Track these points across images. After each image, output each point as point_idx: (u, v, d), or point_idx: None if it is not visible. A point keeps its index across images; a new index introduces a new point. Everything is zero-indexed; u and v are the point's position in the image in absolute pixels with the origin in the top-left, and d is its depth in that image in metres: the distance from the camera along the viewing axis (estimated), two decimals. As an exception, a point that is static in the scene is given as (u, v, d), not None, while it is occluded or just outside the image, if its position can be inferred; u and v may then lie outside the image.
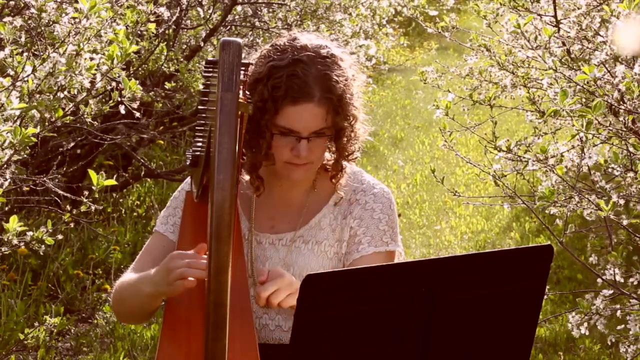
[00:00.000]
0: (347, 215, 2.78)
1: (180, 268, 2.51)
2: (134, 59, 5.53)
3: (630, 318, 3.59)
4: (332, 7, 6.82)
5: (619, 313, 3.60)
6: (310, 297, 2.06)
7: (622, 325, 3.69)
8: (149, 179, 7.54)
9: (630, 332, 3.61)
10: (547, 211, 3.52)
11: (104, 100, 4.25)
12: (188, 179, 2.86)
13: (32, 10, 3.76)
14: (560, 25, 3.96)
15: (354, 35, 7.31)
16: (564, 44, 3.93)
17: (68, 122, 3.94)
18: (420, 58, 13.63)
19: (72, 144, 6.17)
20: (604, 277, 3.59)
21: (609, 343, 3.79)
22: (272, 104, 2.64)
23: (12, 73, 3.57)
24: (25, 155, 3.51)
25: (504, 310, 2.20)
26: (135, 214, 7.25)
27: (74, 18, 3.74)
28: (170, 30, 6.17)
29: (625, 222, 3.46)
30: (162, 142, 8.44)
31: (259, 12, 6.64)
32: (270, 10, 6.66)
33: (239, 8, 6.56)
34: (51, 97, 3.70)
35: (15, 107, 3.35)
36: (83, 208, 3.85)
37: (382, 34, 10.99)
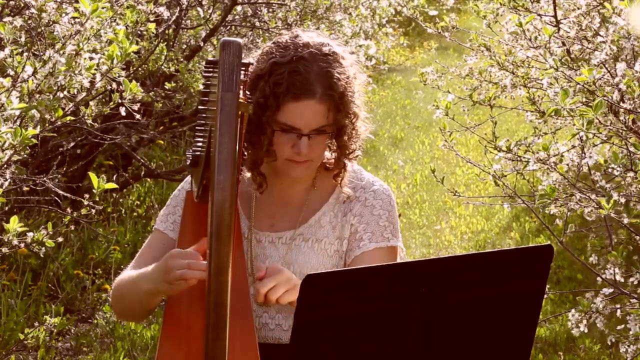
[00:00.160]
0: (347, 213, 2.78)
1: (181, 269, 2.51)
2: (134, 59, 5.53)
3: (630, 318, 3.59)
4: (332, 7, 6.82)
5: (619, 313, 3.60)
6: (310, 297, 2.06)
7: (622, 325, 3.69)
8: (149, 179, 7.54)
9: (630, 332, 3.61)
10: (547, 211, 3.52)
11: (104, 100, 4.25)
12: (188, 178, 2.86)
13: (32, 10, 3.76)
14: (560, 25, 3.97)
15: (354, 36, 7.31)
16: (563, 43, 3.94)
17: (68, 122, 3.94)
18: (420, 58, 13.63)
19: (72, 144, 6.17)
20: (604, 277, 3.59)
21: (609, 343, 3.79)
22: (274, 100, 2.64)
23: (12, 73, 3.57)
24: (25, 155, 3.51)
25: (504, 310, 2.20)
26: (135, 214, 7.25)
27: (74, 18, 3.74)
28: (170, 30, 6.17)
29: (625, 221, 3.46)
30: (162, 142, 8.44)
31: (259, 12, 6.63)
32: (270, 10, 6.66)
33: (239, 8, 6.56)
34: (51, 97, 3.70)
35: (16, 107, 3.35)
36: (84, 211, 3.86)
37: (382, 34, 10.99)
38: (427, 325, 2.14)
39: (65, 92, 3.74)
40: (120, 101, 3.90)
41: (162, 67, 6.00)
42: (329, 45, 2.71)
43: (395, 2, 9.55)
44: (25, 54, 3.66)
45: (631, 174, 3.50)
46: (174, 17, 6.04)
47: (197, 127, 2.66)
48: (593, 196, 3.47)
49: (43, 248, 3.62)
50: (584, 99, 3.88)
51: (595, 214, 3.51)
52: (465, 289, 2.15)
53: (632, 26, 3.42)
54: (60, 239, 3.83)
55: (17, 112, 3.43)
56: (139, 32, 4.82)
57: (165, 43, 6.03)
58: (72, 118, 3.98)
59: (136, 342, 5.47)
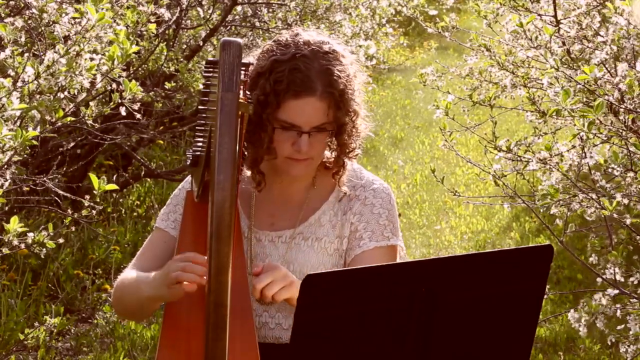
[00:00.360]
0: (347, 211, 2.78)
1: (176, 272, 2.51)
2: (134, 59, 5.53)
3: (630, 318, 3.59)
4: (332, 8, 6.82)
5: (619, 313, 3.60)
6: (310, 297, 2.06)
7: (622, 325, 3.69)
8: (149, 179, 7.55)
9: (630, 332, 3.61)
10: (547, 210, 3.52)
11: (104, 100, 4.25)
12: (189, 178, 2.86)
13: (32, 10, 3.76)
14: (560, 25, 3.97)
15: (354, 36, 7.31)
16: (564, 43, 3.93)
17: (68, 122, 3.94)
18: (420, 58, 13.63)
19: (72, 144, 6.17)
20: (604, 277, 3.59)
21: (609, 343, 3.79)
22: (274, 98, 2.65)
23: (12, 74, 3.57)
24: (25, 156, 3.51)
25: (504, 310, 2.20)
26: (135, 214, 7.25)
27: (74, 18, 3.74)
28: (170, 30, 6.17)
29: (628, 222, 3.46)
30: (162, 142, 8.44)
31: (259, 12, 6.63)
32: (270, 10, 6.66)
33: (239, 8, 6.56)
34: (51, 97, 3.70)
35: (16, 108, 3.35)
36: (85, 212, 3.86)
37: (382, 33, 10.99)
38: (427, 325, 2.14)
39: (65, 93, 3.74)
40: (120, 101, 3.90)
41: (162, 67, 6.01)
42: (329, 43, 2.72)
43: (395, 2, 9.54)
44: (26, 54, 3.66)
45: (631, 174, 3.50)
46: (174, 17, 6.04)
47: (197, 127, 2.66)
48: (595, 196, 3.47)
49: (44, 250, 3.62)
50: (584, 99, 3.88)
51: (596, 214, 3.51)
52: (465, 289, 2.15)
53: (636, 19, 3.41)
54: (61, 240, 3.83)
55: (18, 113, 3.43)
56: (139, 32, 4.82)
57: (165, 43, 6.03)
58: (73, 119, 3.98)
59: (136, 342, 5.47)
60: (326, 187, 2.82)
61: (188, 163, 2.75)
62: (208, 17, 6.45)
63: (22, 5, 4.16)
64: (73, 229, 6.23)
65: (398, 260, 2.80)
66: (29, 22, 3.86)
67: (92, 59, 3.76)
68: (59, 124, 3.83)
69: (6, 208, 4.72)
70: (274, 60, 2.67)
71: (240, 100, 2.36)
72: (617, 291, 3.55)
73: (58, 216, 6.05)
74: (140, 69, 5.84)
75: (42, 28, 3.77)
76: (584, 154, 3.43)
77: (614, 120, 3.67)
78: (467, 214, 7.92)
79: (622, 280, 3.57)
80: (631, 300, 3.77)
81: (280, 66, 2.66)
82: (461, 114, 4.66)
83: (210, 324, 2.33)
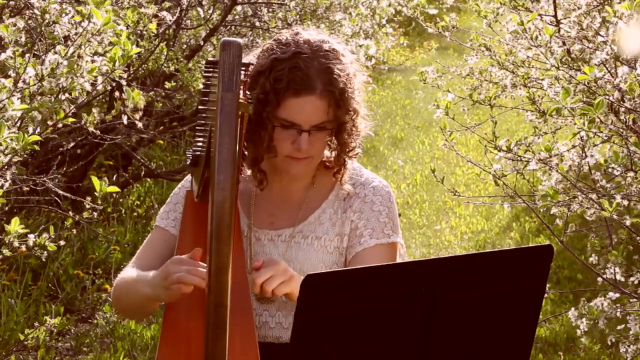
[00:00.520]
0: (347, 209, 2.79)
1: (179, 273, 2.51)
2: (134, 59, 5.53)
3: (631, 318, 3.59)
4: (332, 7, 6.82)
5: (619, 313, 3.60)
6: (310, 297, 2.06)
7: (622, 325, 3.69)
8: (149, 179, 7.54)
9: (630, 332, 3.61)
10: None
11: (104, 100, 4.24)
12: (188, 177, 2.87)
13: (33, 10, 3.76)
14: (561, 25, 3.97)
15: (354, 35, 7.31)
16: (564, 43, 3.93)
17: (69, 123, 3.94)
18: (420, 58, 13.63)
19: (72, 144, 6.17)
20: (604, 277, 3.59)
21: (609, 343, 3.79)
22: (274, 96, 2.65)
23: (13, 75, 3.57)
24: (25, 156, 3.51)
25: (504, 310, 2.20)
26: (135, 214, 7.25)
27: (74, 18, 3.74)
28: (170, 30, 6.17)
29: (628, 222, 3.46)
30: (162, 142, 8.44)
31: (259, 12, 6.64)
32: (270, 10, 6.66)
33: (239, 8, 6.56)
34: (52, 98, 3.70)
35: (17, 109, 3.35)
36: (86, 214, 3.86)
37: (382, 33, 10.99)
38: (427, 325, 2.14)
39: (66, 95, 3.74)
40: (122, 109, 3.90)
41: (162, 67, 6.01)
42: (330, 42, 2.72)
43: (395, 1, 9.54)
44: (27, 55, 3.66)
45: (631, 173, 3.50)
46: (174, 17, 6.04)
47: (197, 127, 2.66)
48: (594, 197, 3.46)
49: (45, 252, 3.63)
50: (585, 99, 3.88)
51: (596, 215, 3.51)
52: (465, 289, 2.15)
53: (620, 49, 3.42)
54: (62, 243, 3.83)
55: (18, 114, 3.43)
56: (139, 32, 4.82)
57: (165, 43, 6.03)
58: (73, 120, 3.97)
59: (136, 342, 5.47)
60: (326, 185, 2.82)
61: (188, 163, 2.75)
62: (208, 17, 6.45)
63: (22, 5, 4.17)
64: (74, 231, 6.23)
65: (398, 258, 2.81)
66: (29, 22, 3.86)
67: (93, 61, 3.75)
68: (60, 125, 3.83)
69: (6, 208, 4.72)
70: (274, 59, 2.68)
71: (240, 100, 2.36)
72: (617, 295, 3.55)
73: (58, 216, 6.05)
74: (140, 68, 5.84)
75: (43, 28, 3.77)
76: (584, 154, 3.43)
77: (614, 120, 3.67)
78: (467, 214, 7.92)
79: (622, 280, 3.57)
80: (631, 300, 3.78)
81: (281, 65, 2.66)
82: (461, 113, 4.66)
83: (210, 324, 2.33)
